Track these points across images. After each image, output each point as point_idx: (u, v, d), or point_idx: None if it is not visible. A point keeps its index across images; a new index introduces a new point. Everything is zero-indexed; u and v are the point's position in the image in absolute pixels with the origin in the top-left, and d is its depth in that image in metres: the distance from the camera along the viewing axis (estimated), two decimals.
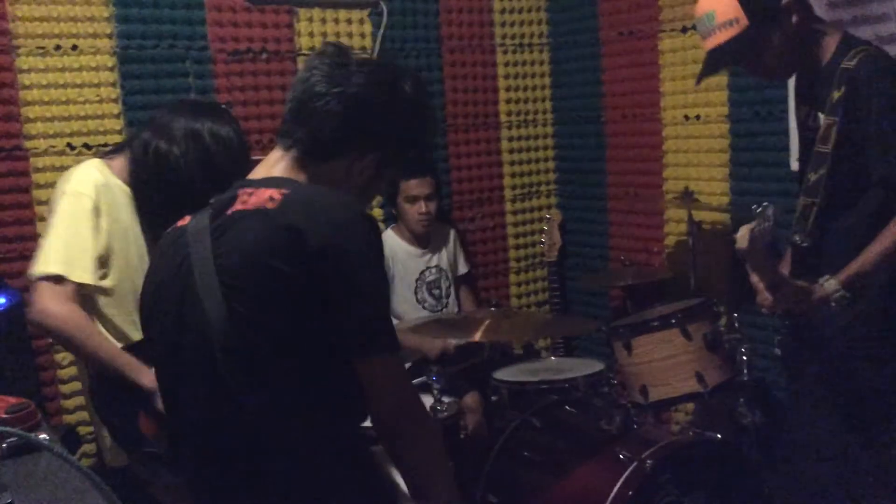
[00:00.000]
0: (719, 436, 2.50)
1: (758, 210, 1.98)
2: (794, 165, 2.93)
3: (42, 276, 2.12)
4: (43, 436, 1.23)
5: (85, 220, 2.18)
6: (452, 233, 3.77)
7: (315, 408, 1.39)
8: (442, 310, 3.61)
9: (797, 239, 2.26)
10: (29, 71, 2.96)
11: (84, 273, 2.15)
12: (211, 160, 2.12)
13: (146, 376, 2.09)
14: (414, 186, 3.49)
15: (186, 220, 1.52)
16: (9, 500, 1.10)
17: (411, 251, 3.59)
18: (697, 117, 3.44)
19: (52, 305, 2.09)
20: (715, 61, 2.27)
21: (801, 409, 2.44)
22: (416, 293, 3.55)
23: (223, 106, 2.73)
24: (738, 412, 2.74)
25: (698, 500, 2.36)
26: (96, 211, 2.21)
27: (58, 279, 2.11)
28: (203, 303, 1.38)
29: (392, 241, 3.59)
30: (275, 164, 1.54)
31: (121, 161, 2.30)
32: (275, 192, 1.40)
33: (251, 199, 1.42)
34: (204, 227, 1.44)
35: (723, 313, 2.96)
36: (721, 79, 3.30)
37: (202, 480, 1.50)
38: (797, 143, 2.53)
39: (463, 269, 3.79)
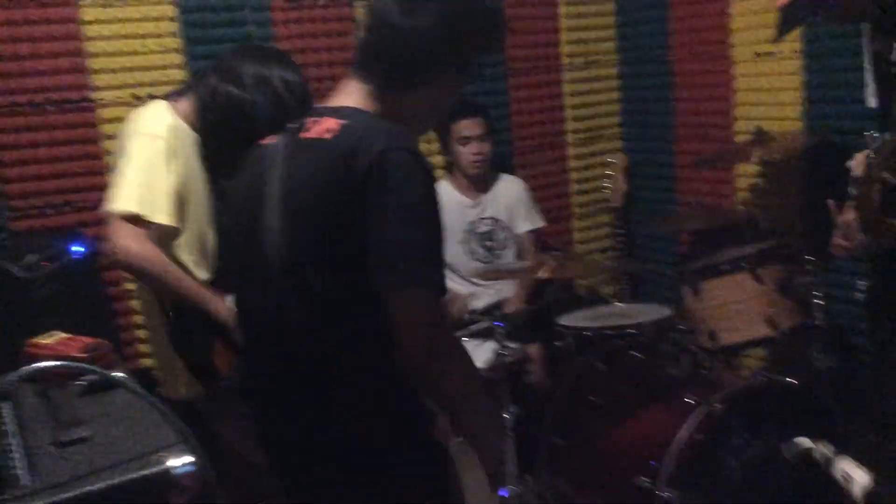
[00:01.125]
0: (790, 380, 2.44)
1: (875, 136, 1.90)
2: (872, 102, 2.79)
3: (120, 213, 2.11)
4: (119, 374, 1.26)
5: (160, 162, 2.17)
6: (519, 185, 3.64)
7: (366, 339, 1.40)
8: (494, 262, 3.51)
9: (886, 176, 2.16)
10: (93, 22, 3.00)
11: (162, 214, 2.15)
12: (281, 106, 2.11)
13: (223, 307, 2.12)
14: (466, 127, 3.39)
15: (269, 139, 1.58)
16: (85, 434, 1.13)
17: (463, 201, 3.50)
18: (769, 54, 3.31)
19: (132, 245, 2.09)
20: (790, 17, 2.16)
21: (886, 355, 2.36)
22: (467, 244, 3.50)
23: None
24: (813, 357, 2.67)
25: (769, 445, 2.31)
26: (170, 152, 2.19)
27: (135, 219, 2.11)
28: (268, 225, 1.44)
29: (444, 190, 3.52)
30: (352, 92, 1.53)
31: (185, 104, 2.29)
32: (334, 123, 1.43)
33: (314, 128, 1.46)
34: (279, 149, 1.50)
35: (796, 256, 2.87)
36: None
37: (267, 408, 1.54)
38: (871, 78, 2.40)
39: (533, 223, 3.61)
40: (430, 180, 1.41)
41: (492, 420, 1.55)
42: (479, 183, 3.52)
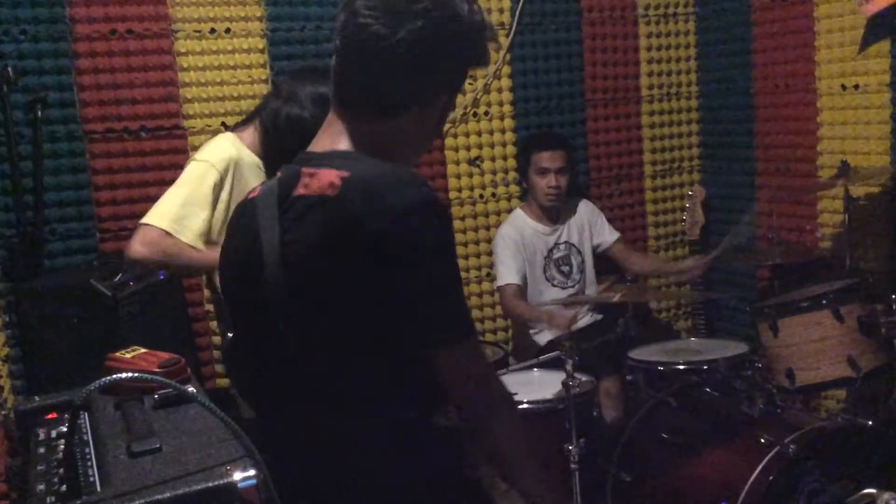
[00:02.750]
0: (871, 423, 2.34)
1: None
2: None
3: (149, 224, 2.25)
4: (191, 389, 1.31)
5: (207, 190, 2.29)
6: (586, 205, 3.68)
7: (382, 397, 1.34)
8: (574, 286, 3.56)
9: None
10: (187, 54, 3.15)
11: (192, 235, 2.27)
12: None
13: None
14: (545, 159, 3.46)
15: (256, 191, 1.45)
16: (156, 445, 1.18)
17: (539, 229, 3.56)
18: (856, 87, 3.22)
19: (146, 249, 2.22)
20: (877, 28, 2.11)
21: None
22: (545, 271, 3.52)
23: None
24: (894, 399, 2.56)
25: (846, 490, 2.22)
26: (221, 183, 2.32)
27: (163, 234, 2.24)
28: (272, 292, 1.32)
29: (520, 219, 3.57)
30: (339, 132, 1.40)
31: (250, 132, 2.41)
32: (335, 177, 1.29)
33: (312, 183, 1.32)
34: (272, 207, 1.36)
35: (880, 295, 2.77)
36: (882, 45, 3.06)
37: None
38: None
39: (610, 236, 3.68)
40: (446, 223, 1.35)
41: (545, 478, 1.45)
42: (554, 210, 3.55)
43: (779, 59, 3.58)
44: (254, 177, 2.37)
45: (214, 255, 2.20)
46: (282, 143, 2.25)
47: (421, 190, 1.28)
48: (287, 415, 1.42)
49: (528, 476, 1.41)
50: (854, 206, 3.14)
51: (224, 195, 2.34)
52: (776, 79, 3.61)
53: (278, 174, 1.42)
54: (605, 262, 3.72)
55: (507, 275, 3.44)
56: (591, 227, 3.66)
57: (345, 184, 1.28)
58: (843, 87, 3.27)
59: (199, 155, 2.36)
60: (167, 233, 2.23)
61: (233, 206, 2.30)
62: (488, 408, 1.37)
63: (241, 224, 1.44)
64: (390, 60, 1.33)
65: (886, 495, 1.67)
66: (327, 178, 1.30)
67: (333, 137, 1.41)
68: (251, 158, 2.38)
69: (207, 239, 2.32)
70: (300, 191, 1.33)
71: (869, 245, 3.17)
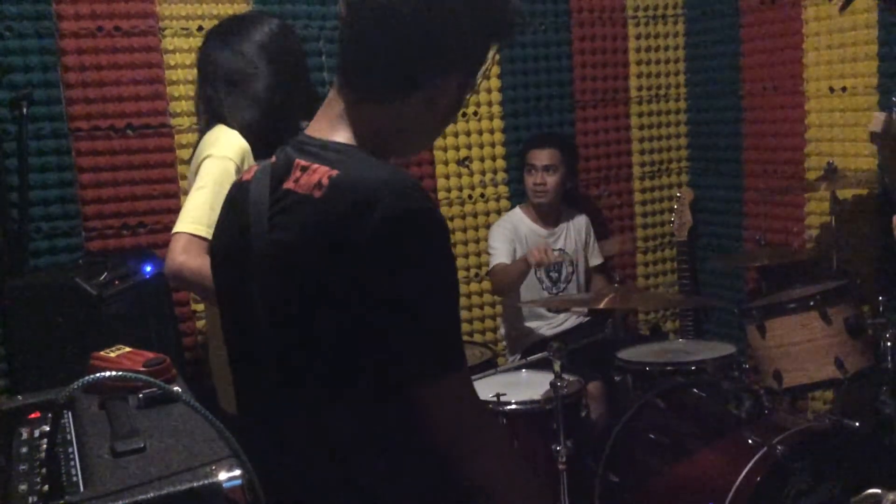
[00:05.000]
0: (857, 424, 2.35)
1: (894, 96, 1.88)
2: None
3: (185, 233, 2.10)
4: (176, 388, 1.29)
5: (229, 183, 2.20)
6: (585, 221, 3.70)
7: (358, 412, 1.23)
8: (558, 293, 3.58)
9: None
10: (174, 51, 3.13)
11: None
12: (283, 54, 2.25)
13: None
14: (534, 156, 3.51)
15: (251, 172, 1.35)
16: (140, 444, 1.17)
17: (534, 229, 3.58)
18: (843, 89, 3.24)
19: (188, 260, 2.07)
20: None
21: None
22: (535, 271, 3.53)
23: None
24: (880, 401, 2.58)
25: (833, 491, 2.23)
26: (240, 173, 2.24)
27: (199, 240, 2.10)
28: (256, 288, 1.25)
29: (517, 216, 3.60)
30: (338, 116, 1.28)
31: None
32: (324, 175, 1.18)
33: (302, 178, 1.22)
34: (264, 196, 1.27)
35: (867, 297, 2.79)
36: (870, 47, 3.08)
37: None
38: None
39: (596, 259, 3.72)
40: (446, 238, 1.18)
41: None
42: (551, 214, 3.56)
43: (767, 61, 3.59)
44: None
45: None
46: (252, 114, 2.22)
47: (411, 196, 1.14)
48: (262, 410, 1.35)
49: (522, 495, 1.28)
50: (841, 207, 3.16)
51: None
52: (764, 81, 3.62)
53: (273, 158, 1.33)
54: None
55: (498, 256, 3.47)
56: (587, 243, 3.69)
57: (331, 185, 1.17)
58: (831, 89, 3.29)
59: (213, 151, 2.21)
60: (205, 238, 2.08)
61: None
62: (469, 446, 1.22)
63: (234, 208, 1.36)
64: (392, 32, 1.20)
65: (892, 495, 1.67)
66: (317, 176, 1.20)
67: (332, 123, 1.28)
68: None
69: None
70: (289, 185, 1.24)
71: (856, 246, 3.18)
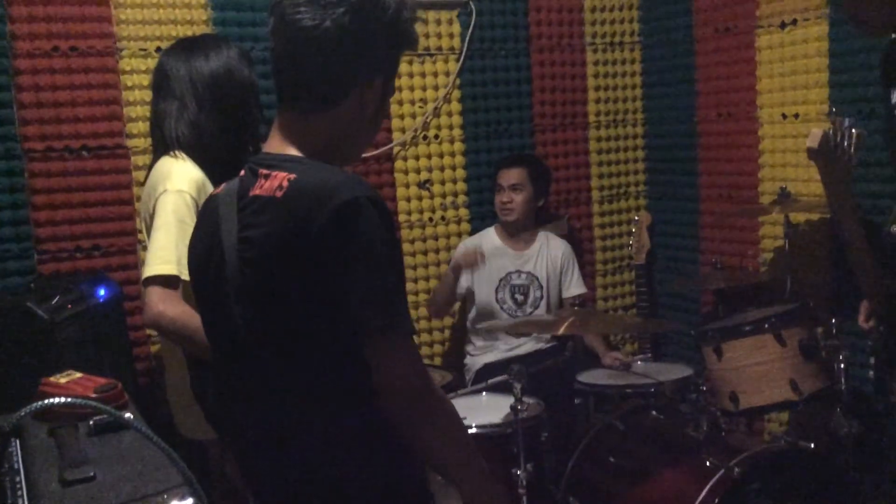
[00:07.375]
0: (812, 445, 2.39)
1: (833, 113, 1.94)
2: None
3: (154, 276, 2.08)
4: (128, 414, 1.27)
5: (189, 219, 2.13)
6: (564, 250, 3.65)
7: (329, 391, 1.38)
8: (518, 317, 3.53)
9: (893, 230, 2.15)
10: (131, 72, 3.10)
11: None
12: (237, 76, 2.33)
13: None
14: (502, 175, 3.55)
15: (221, 188, 1.53)
16: (90, 473, 1.14)
17: (502, 249, 3.57)
18: (796, 115, 3.31)
19: (167, 309, 2.05)
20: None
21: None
22: (496, 291, 3.52)
23: None
24: (835, 422, 2.61)
25: None
26: (196, 205, 2.19)
27: (170, 280, 2.08)
28: (230, 284, 1.40)
29: (488, 235, 3.63)
30: (286, 135, 1.47)
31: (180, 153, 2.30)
32: (284, 179, 1.37)
33: (266, 184, 1.40)
34: (233, 204, 1.45)
35: (820, 319, 2.84)
36: (821, 75, 3.16)
37: (241, 459, 1.56)
38: None
39: (575, 290, 3.62)
40: (389, 222, 1.36)
41: (489, 481, 1.47)
42: (520, 234, 3.56)
43: (722, 88, 3.66)
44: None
45: None
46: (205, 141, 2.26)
47: (357, 187, 1.34)
48: (243, 407, 1.47)
49: (470, 481, 1.43)
50: (794, 231, 3.22)
51: None
52: (719, 107, 3.69)
53: (241, 173, 1.49)
54: None
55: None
56: (563, 271, 3.63)
57: (290, 186, 1.36)
58: (784, 115, 3.36)
59: (168, 185, 2.18)
60: (177, 277, 2.07)
61: None
62: (417, 408, 1.36)
63: (205, 219, 1.53)
64: (319, 50, 1.40)
65: None
66: (277, 180, 1.38)
67: (283, 141, 1.47)
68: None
69: None
70: (256, 191, 1.41)
71: (809, 269, 3.24)
